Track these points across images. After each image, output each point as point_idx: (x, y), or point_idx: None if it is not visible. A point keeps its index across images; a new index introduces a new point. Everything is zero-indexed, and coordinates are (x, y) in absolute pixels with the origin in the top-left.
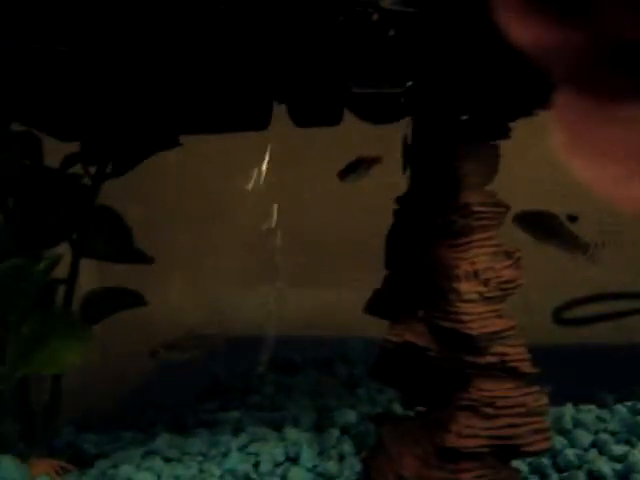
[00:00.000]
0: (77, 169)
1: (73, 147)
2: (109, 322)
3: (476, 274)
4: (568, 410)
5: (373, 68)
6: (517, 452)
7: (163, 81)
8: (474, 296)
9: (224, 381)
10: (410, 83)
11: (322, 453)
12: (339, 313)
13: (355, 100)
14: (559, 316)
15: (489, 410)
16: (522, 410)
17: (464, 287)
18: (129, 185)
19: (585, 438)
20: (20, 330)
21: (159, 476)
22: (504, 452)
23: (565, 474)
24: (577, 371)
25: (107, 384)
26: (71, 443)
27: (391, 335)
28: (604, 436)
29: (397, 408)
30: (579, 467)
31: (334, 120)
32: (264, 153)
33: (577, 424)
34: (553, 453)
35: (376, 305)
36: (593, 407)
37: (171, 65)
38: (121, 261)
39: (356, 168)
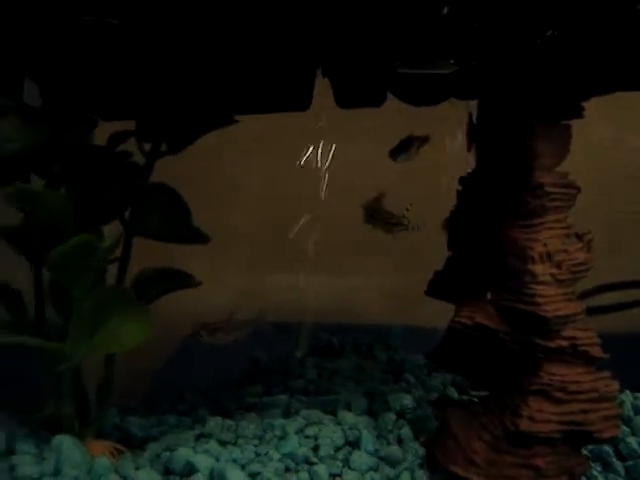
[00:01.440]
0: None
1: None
2: None
3: (549, 256)
4: (627, 397)
5: (425, 48)
6: (588, 438)
7: (212, 59)
8: (548, 278)
9: (263, 365)
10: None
11: (379, 437)
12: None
13: (397, 81)
14: None
15: (561, 395)
16: (593, 395)
17: (539, 269)
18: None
19: None
20: (82, 308)
21: (217, 459)
22: (575, 438)
23: (629, 462)
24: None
25: (138, 367)
26: (117, 426)
27: (461, 317)
28: None
29: (452, 392)
30: None
31: (377, 101)
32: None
33: (637, 411)
34: (614, 441)
35: (437, 287)
36: None
37: (218, 43)
38: (176, 241)
39: (407, 147)
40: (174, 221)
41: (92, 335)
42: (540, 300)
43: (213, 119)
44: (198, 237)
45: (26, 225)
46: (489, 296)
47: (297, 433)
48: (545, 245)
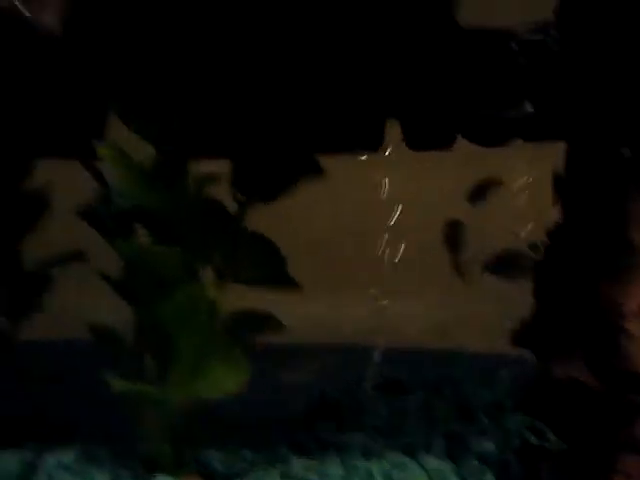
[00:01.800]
0: None
1: None
2: None
3: None
4: None
5: (501, 92)
6: None
7: (298, 103)
8: None
9: (331, 399)
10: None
11: None
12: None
13: (467, 122)
14: None
15: None
16: None
17: (633, 326)
18: None
19: None
20: (182, 354)
21: None
22: None
23: None
24: None
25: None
26: (197, 460)
27: (551, 370)
28: None
29: (529, 436)
30: None
31: (447, 142)
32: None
33: None
34: None
35: (525, 337)
36: None
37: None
38: (269, 287)
39: (484, 190)
40: (268, 270)
41: (192, 380)
42: (635, 358)
43: (303, 170)
44: (290, 284)
45: (131, 275)
46: (579, 351)
47: (383, 476)
48: (638, 302)
